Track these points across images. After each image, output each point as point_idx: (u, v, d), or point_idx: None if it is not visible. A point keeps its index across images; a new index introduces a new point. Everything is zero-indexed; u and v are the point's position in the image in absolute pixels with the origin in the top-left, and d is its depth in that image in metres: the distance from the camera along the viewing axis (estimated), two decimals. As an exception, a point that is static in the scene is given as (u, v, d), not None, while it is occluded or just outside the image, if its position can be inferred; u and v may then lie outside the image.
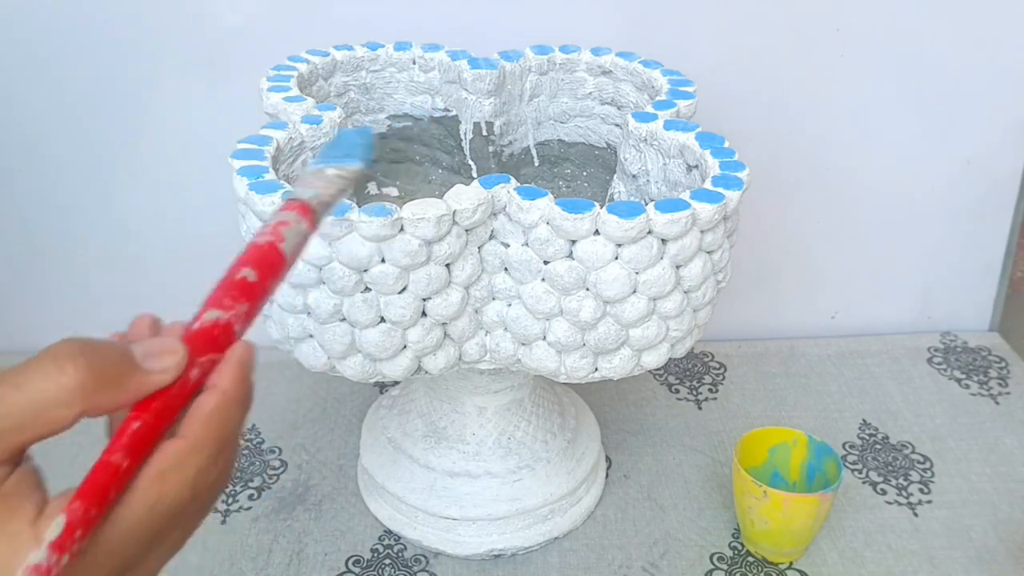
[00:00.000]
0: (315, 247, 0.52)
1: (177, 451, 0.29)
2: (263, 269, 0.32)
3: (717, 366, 0.92)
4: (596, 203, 0.51)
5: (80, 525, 0.27)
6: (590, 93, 0.73)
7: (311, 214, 0.35)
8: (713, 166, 0.57)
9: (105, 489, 0.28)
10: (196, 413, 0.30)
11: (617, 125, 0.72)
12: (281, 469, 0.78)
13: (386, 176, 0.75)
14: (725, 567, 0.69)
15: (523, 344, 0.57)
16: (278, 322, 0.57)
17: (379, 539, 0.71)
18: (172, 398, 0.30)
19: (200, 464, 0.30)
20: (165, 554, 0.32)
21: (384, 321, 0.54)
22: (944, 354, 0.94)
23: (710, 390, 0.88)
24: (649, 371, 0.73)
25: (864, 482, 0.77)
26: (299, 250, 0.34)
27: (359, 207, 0.51)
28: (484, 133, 0.71)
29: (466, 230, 0.53)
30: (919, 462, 0.80)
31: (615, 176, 0.69)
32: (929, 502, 0.75)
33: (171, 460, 0.29)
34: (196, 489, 0.30)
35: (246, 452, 0.79)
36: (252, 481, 0.77)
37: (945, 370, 0.92)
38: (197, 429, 0.30)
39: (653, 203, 0.52)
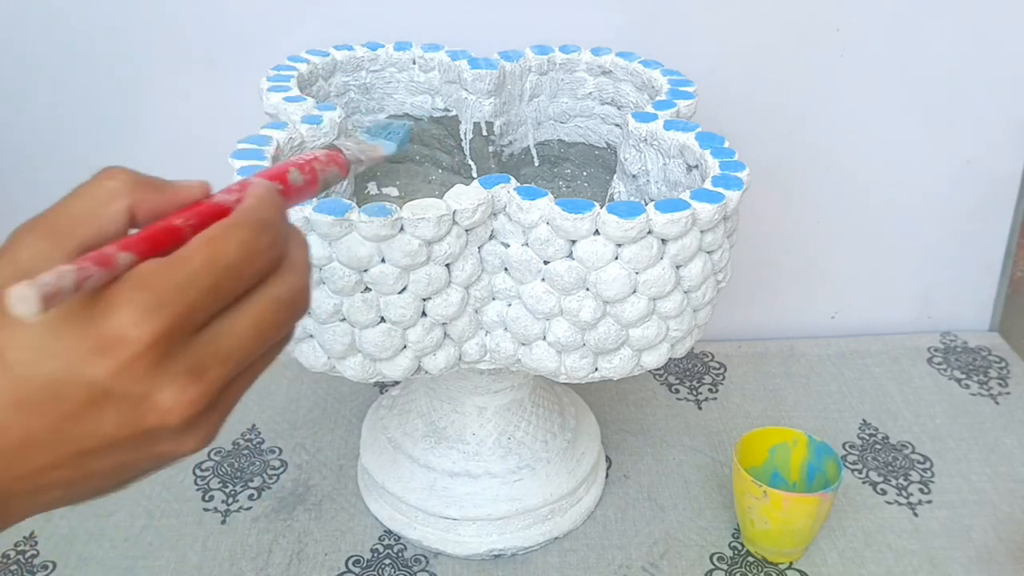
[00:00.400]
0: (315, 247, 0.52)
1: (221, 222, 0.31)
2: (305, 175, 0.36)
3: (717, 366, 0.92)
4: (596, 203, 0.51)
5: (123, 247, 0.29)
6: (590, 93, 0.73)
7: (345, 164, 0.39)
8: (713, 166, 0.57)
9: (152, 235, 0.30)
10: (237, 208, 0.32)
11: (617, 125, 0.72)
12: (281, 469, 0.78)
13: (386, 176, 0.75)
14: (725, 567, 0.69)
15: (523, 344, 0.57)
16: (278, 322, 0.57)
17: (379, 539, 0.71)
18: (211, 210, 0.32)
19: (244, 237, 0.30)
20: (264, 353, 0.33)
21: (384, 321, 0.54)
22: (944, 354, 0.94)
23: (710, 390, 0.88)
24: (649, 371, 0.73)
25: (864, 482, 0.77)
26: (326, 184, 0.38)
27: (359, 207, 0.51)
28: (484, 133, 0.71)
29: (466, 230, 0.53)
30: (919, 462, 0.80)
31: (615, 176, 0.69)
32: (929, 502, 0.75)
33: (216, 228, 0.30)
34: (250, 257, 0.30)
35: (246, 452, 0.80)
36: (252, 481, 0.77)
37: (945, 370, 0.92)
38: (237, 212, 0.31)
39: (653, 203, 0.52)
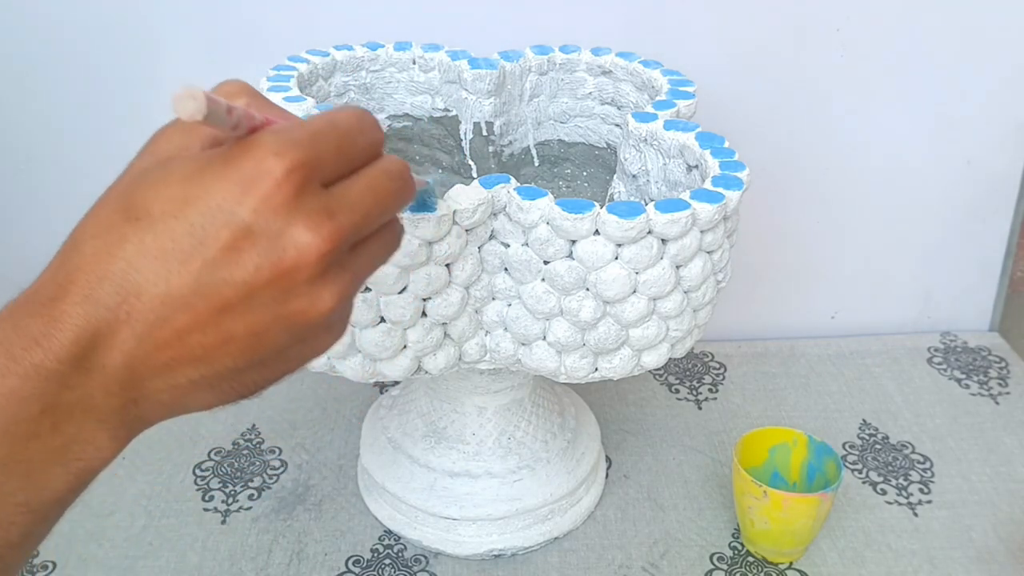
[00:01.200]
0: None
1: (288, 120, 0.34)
2: None
3: (717, 366, 0.92)
4: (596, 203, 0.51)
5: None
6: (590, 93, 0.73)
7: None
8: (713, 166, 0.57)
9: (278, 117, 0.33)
10: None
11: (617, 125, 0.72)
12: (281, 469, 0.78)
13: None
14: (725, 567, 0.69)
15: (523, 344, 0.57)
16: (278, 322, 0.57)
17: (379, 539, 0.71)
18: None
19: (355, 112, 0.34)
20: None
21: (384, 321, 0.54)
22: (944, 354, 0.94)
23: (710, 390, 0.88)
24: (649, 371, 0.73)
25: (864, 482, 0.77)
26: None
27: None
28: (484, 133, 0.71)
29: (466, 230, 0.53)
30: (919, 462, 0.80)
31: (615, 176, 0.69)
32: (929, 502, 0.75)
33: (330, 110, 0.34)
34: (361, 127, 0.34)
35: (246, 452, 0.80)
36: (252, 481, 0.77)
37: (945, 370, 0.92)
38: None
39: (653, 203, 0.52)
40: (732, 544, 0.71)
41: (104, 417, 0.31)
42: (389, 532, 0.72)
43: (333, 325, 0.33)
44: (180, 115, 0.27)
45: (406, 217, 0.51)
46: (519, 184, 0.54)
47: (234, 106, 0.29)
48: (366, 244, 0.34)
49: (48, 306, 0.30)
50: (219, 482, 0.76)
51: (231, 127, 0.30)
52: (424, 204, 0.49)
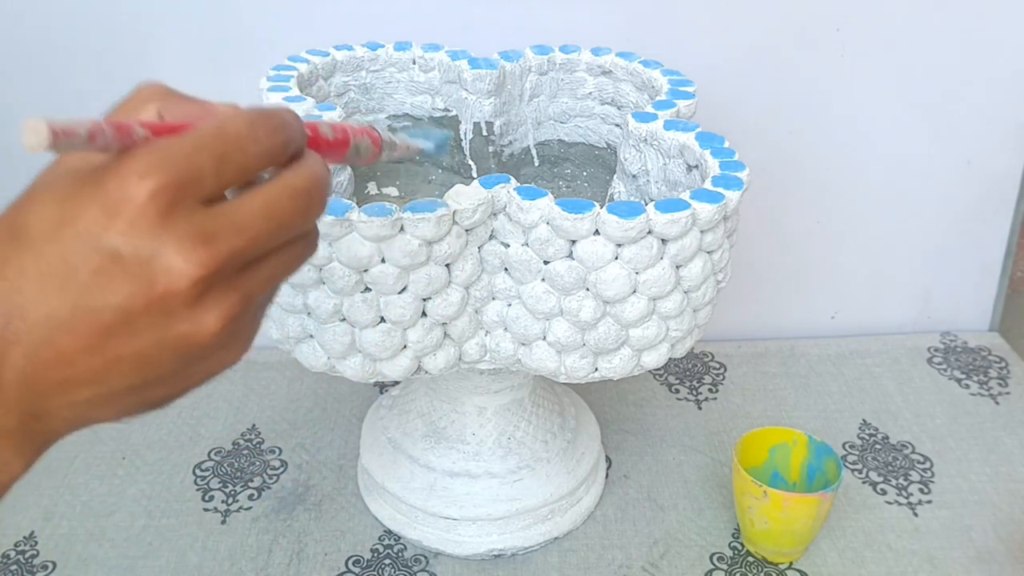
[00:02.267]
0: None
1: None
2: (340, 136, 0.37)
3: (717, 366, 0.92)
4: (596, 203, 0.51)
5: (142, 124, 0.30)
6: (590, 93, 0.73)
7: (379, 144, 0.40)
8: (713, 166, 0.57)
9: (172, 126, 0.31)
10: None
11: (617, 125, 0.72)
12: (281, 469, 0.78)
13: (386, 176, 0.75)
14: (725, 567, 0.69)
15: (523, 344, 0.57)
16: (278, 322, 0.57)
17: (379, 539, 0.71)
18: None
19: (252, 117, 0.31)
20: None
21: (384, 321, 0.54)
22: (944, 354, 0.94)
23: (710, 390, 0.88)
24: (649, 371, 0.73)
25: (864, 482, 0.77)
26: (357, 160, 0.39)
27: (359, 207, 0.51)
28: (484, 133, 0.71)
29: (466, 230, 0.53)
30: (919, 462, 0.80)
31: (615, 176, 0.69)
32: (929, 502, 0.75)
33: (227, 109, 0.32)
34: (256, 133, 0.31)
35: (246, 452, 0.80)
36: (252, 481, 0.77)
37: (945, 370, 0.92)
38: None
39: (653, 203, 0.52)
40: (732, 544, 0.71)
41: (5, 434, 0.31)
42: (389, 532, 0.72)
43: (228, 344, 0.32)
44: (26, 148, 0.26)
45: (406, 216, 0.51)
46: (519, 184, 0.54)
47: (101, 130, 0.28)
48: (264, 262, 0.32)
49: None
50: (219, 482, 0.76)
51: (100, 150, 0.28)
52: (433, 153, 0.47)
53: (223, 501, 0.74)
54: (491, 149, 0.72)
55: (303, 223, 0.33)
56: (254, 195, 0.31)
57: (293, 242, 0.33)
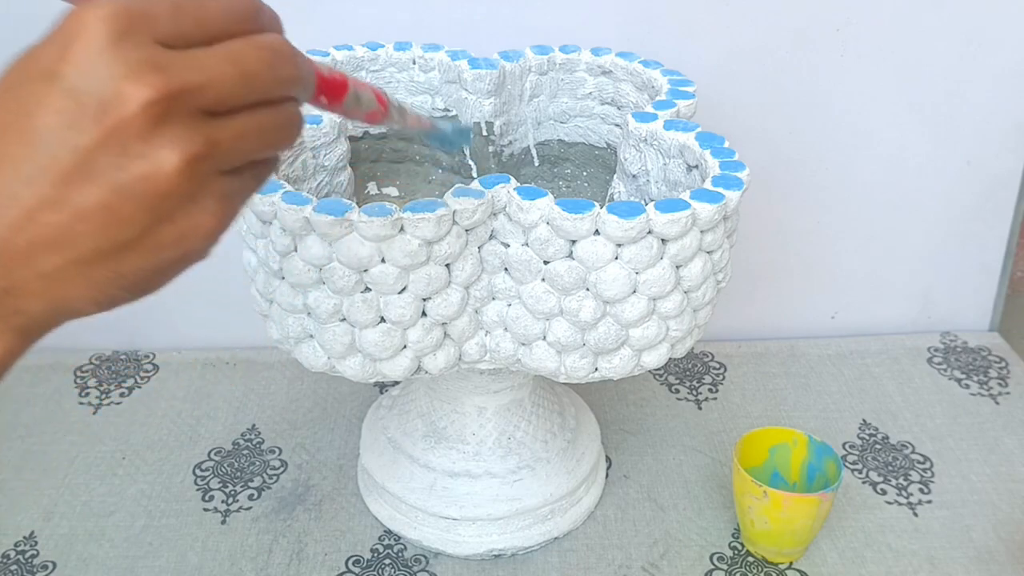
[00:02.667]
0: (315, 247, 0.52)
1: None
2: (339, 77, 0.36)
3: (717, 366, 0.92)
4: (596, 203, 0.51)
5: None
6: (590, 93, 0.73)
7: (385, 103, 0.39)
8: (713, 166, 0.57)
9: None
10: None
11: (617, 125, 0.72)
12: (281, 469, 0.78)
13: (386, 176, 0.75)
14: (725, 567, 0.69)
15: (523, 344, 0.57)
16: (278, 322, 0.57)
17: (379, 539, 0.71)
18: None
19: None
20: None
21: (384, 321, 0.54)
22: (944, 354, 0.94)
23: (710, 390, 0.88)
24: (649, 371, 0.73)
25: (864, 482, 0.77)
26: (359, 111, 0.38)
27: (359, 207, 0.51)
28: (484, 133, 0.71)
29: (466, 230, 0.53)
30: (919, 462, 0.80)
31: (615, 176, 0.69)
32: (929, 502, 0.75)
33: None
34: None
35: (246, 452, 0.80)
36: (252, 481, 0.77)
37: (945, 370, 0.92)
38: None
39: (653, 203, 0.52)
40: (732, 544, 0.71)
41: None
42: (389, 532, 0.72)
43: (196, 198, 0.30)
44: None
45: (406, 216, 0.51)
46: (519, 184, 0.54)
47: None
48: (233, 117, 0.31)
49: None
50: (219, 482, 0.76)
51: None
52: (449, 139, 0.47)
53: (223, 501, 0.74)
54: (491, 149, 0.72)
55: (270, 78, 0.31)
56: (218, 48, 0.30)
57: (266, 105, 0.32)
